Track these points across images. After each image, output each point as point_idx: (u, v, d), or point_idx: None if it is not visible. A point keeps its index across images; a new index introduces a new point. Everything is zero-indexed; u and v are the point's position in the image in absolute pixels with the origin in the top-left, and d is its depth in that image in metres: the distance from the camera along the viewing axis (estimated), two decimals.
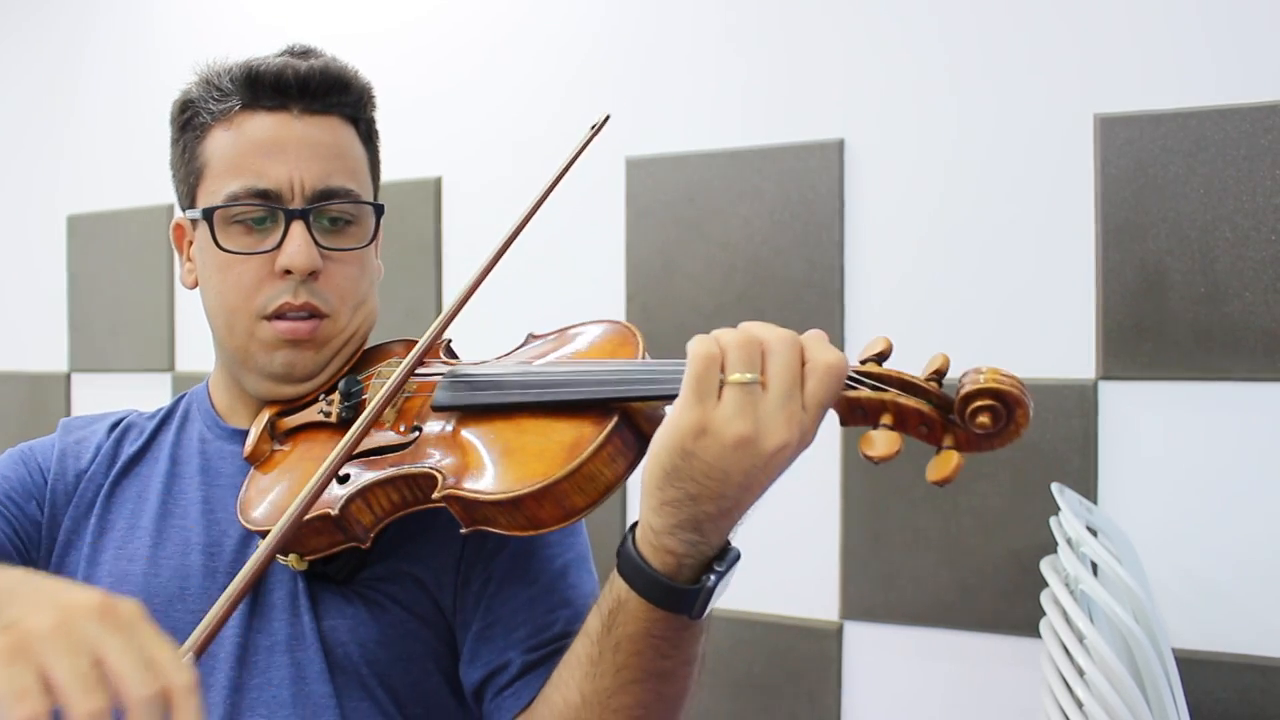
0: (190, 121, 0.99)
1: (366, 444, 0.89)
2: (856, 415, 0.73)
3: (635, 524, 0.76)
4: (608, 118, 0.98)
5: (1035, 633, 1.50)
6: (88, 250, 2.64)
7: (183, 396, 1.11)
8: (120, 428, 1.06)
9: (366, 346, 1.05)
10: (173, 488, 1.01)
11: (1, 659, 0.51)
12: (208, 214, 0.96)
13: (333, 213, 0.98)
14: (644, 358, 0.85)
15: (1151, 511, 1.67)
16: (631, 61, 2.07)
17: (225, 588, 0.94)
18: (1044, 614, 1.44)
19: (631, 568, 0.75)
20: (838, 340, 1.86)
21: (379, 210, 1.02)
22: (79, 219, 2.65)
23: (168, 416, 1.08)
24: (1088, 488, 1.69)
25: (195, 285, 1.03)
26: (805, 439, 0.71)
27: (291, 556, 0.91)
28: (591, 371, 0.83)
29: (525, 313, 2.08)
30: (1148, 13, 1.69)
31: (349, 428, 0.91)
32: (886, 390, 0.72)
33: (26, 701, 0.50)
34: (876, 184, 1.87)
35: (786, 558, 1.88)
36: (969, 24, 1.81)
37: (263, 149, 0.95)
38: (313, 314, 0.97)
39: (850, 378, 0.73)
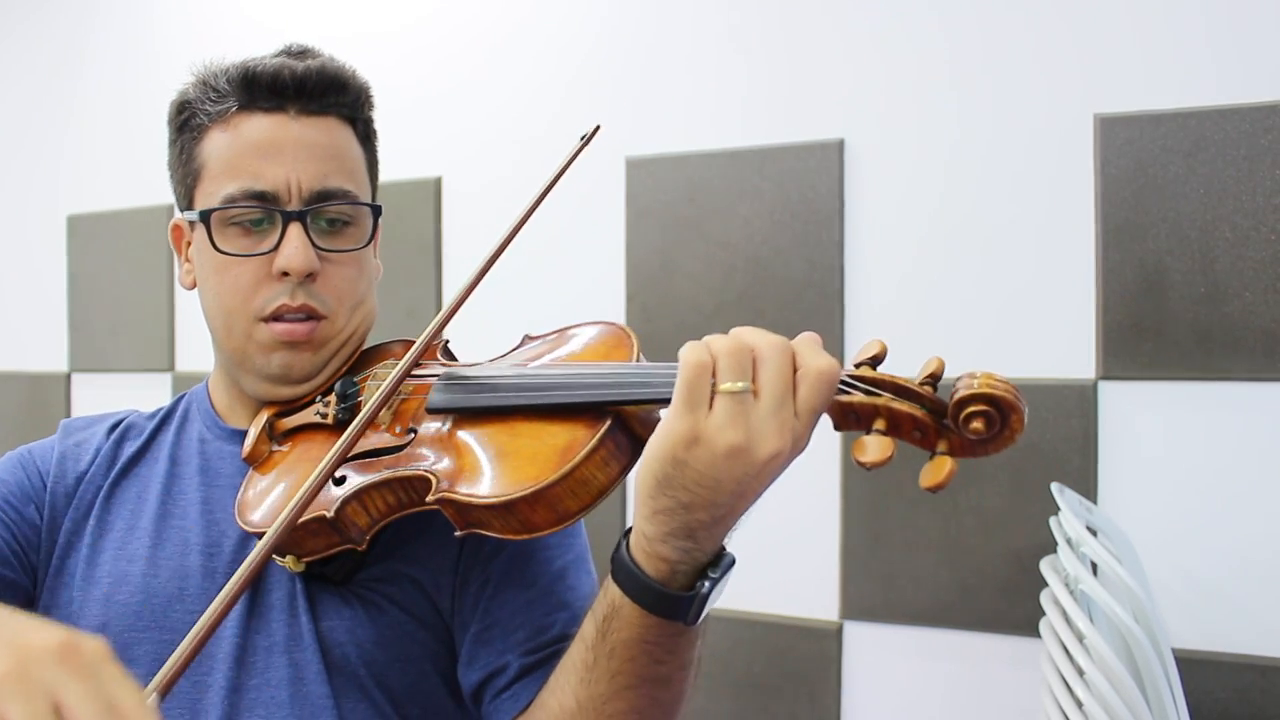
0: (187, 122, 0.99)
1: (362, 446, 0.89)
2: (850, 420, 0.73)
3: (630, 529, 0.76)
4: (598, 128, 0.98)
5: (1035, 633, 1.50)
6: (88, 250, 2.64)
7: (182, 396, 1.11)
8: (120, 429, 1.06)
9: (365, 347, 1.05)
10: (172, 488, 1.01)
11: None
12: (204, 216, 0.96)
13: (330, 214, 0.97)
14: (639, 360, 0.85)
15: (1151, 511, 1.67)
16: (631, 61, 2.07)
17: (223, 587, 0.95)
18: (1044, 614, 1.44)
19: (625, 574, 0.75)
20: (837, 340, 1.86)
21: (377, 211, 1.01)
22: (79, 219, 2.65)
23: (167, 416, 1.08)
24: (1088, 488, 1.69)
25: (193, 286, 1.03)
26: (798, 446, 0.70)
27: (289, 558, 0.91)
28: (585, 375, 0.82)
29: (525, 312, 2.08)
30: (1148, 13, 1.69)
31: (345, 429, 0.91)
32: (880, 395, 0.71)
33: None
34: (876, 184, 1.87)
35: (786, 558, 1.88)
36: (969, 24, 1.81)
37: (259, 150, 0.95)
38: (310, 315, 0.97)
39: (844, 382, 0.72)
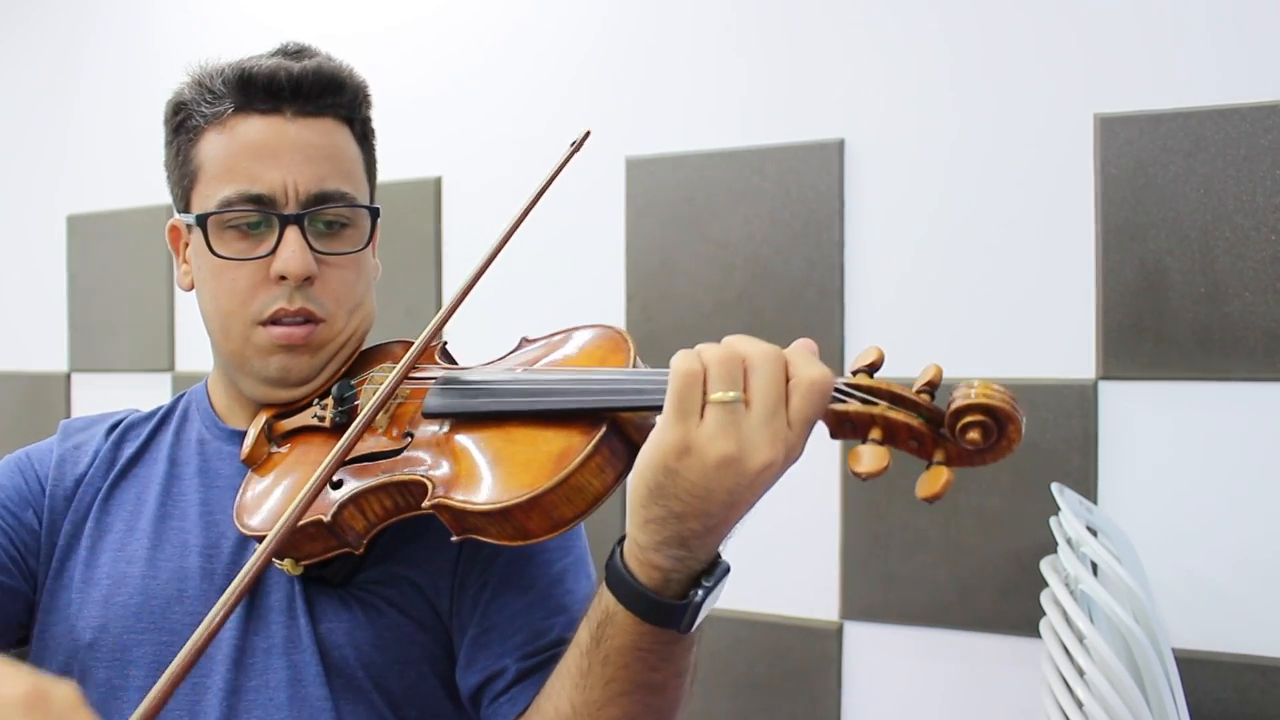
0: (183, 124, 0.99)
1: (359, 449, 0.89)
2: (846, 429, 0.72)
3: (624, 536, 0.76)
4: (588, 133, 0.97)
5: (1035, 633, 1.50)
6: (88, 250, 2.64)
7: (182, 395, 1.11)
8: (119, 430, 1.06)
9: (364, 347, 1.05)
10: (171, 489, 1.01)
11: None
12: (201, 220, 0.96)
13: (328, 216, 0.97)
14: (635, 364, 0.84)
15: (1151, 511, 1.67)
16: (631, 61, 2.06)
17: (223, 590, 0.94)
18: (1044, 614, 1.44)
19: (619, 581, 0.75)
20: (837, 339, 1.86)
21: (375, 213, 1.01)
22: (79, 219, 2.65)
23: (166, 416, 1.08)
24: (1088, 488, 1.69)
25: (191, 287, 1.02)
26: (791, 456, 0.70)
27: (287, 561, 0.91)
28: (581, 380, 0.82)
29: (525, 312, 2.09)
30: (1148, 13, 1.69)
31: (343, 432, 0.91)
32: (876, 404, 0.70)
33: None
34: (876, 184, 1.87)
35: (786, 558, 1.88)
36: (969, 24, 1.81)
37: (256, 153, 0.95)
38: (308, 319, 0.96)
39: (840, 390, 0.71)
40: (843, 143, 1.88)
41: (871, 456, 0.68)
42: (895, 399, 0.71)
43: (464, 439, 0.86)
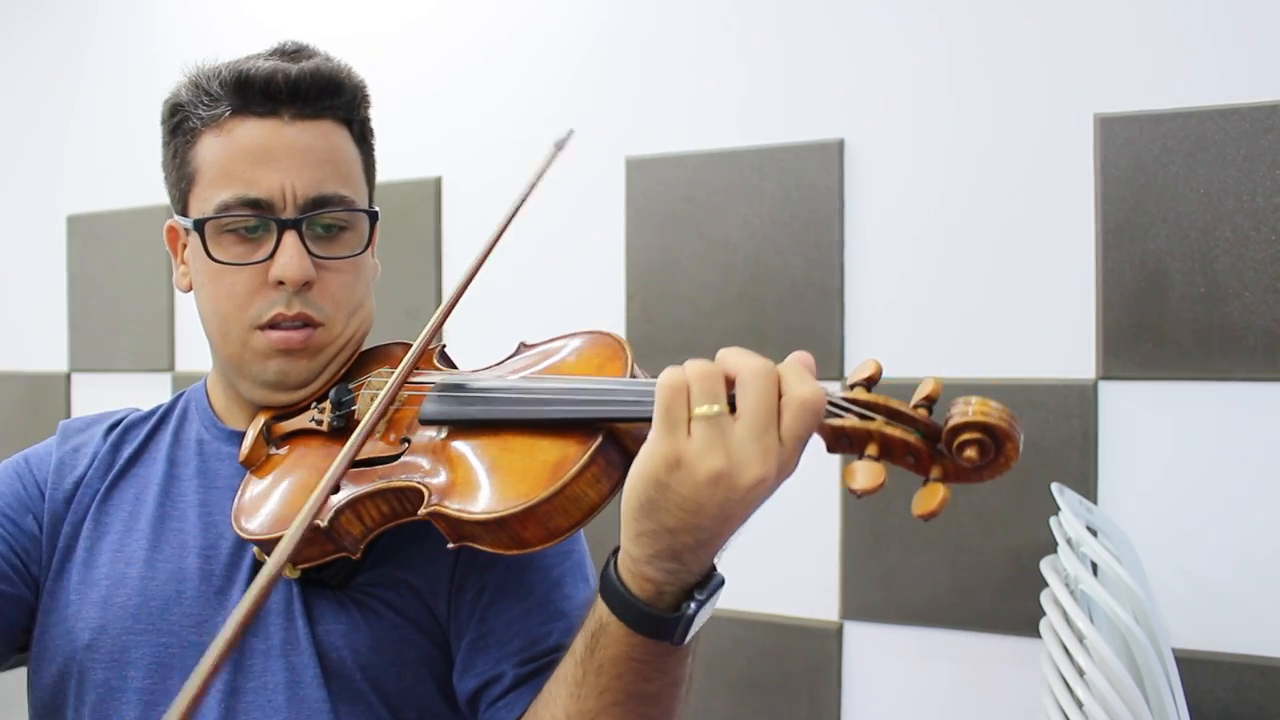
0: (180, 125, 0.98)
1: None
2: (842, 444, 0.71)
3: (618, 548, 0.75)
4: (571, 132, 0.97)
5: (1035, 633, 1.50)
6: (88, 250, 2.64)
7: (181, 394, 1.10)
8: (118, 430, 1.06)
9: (364, 349, 1.04)
10: (170, 490, 1.01)
11: None
12: (199, 225, 0.95)
13: (326, 220, 0.96)
14: (632, 371, 0.84)
15: (1151, 511, 1.67)
16: (631, 61, 2.06)
17: (220, 590, 0.95)
18: (1044, 614, 1.44)
19: (612, 593, 0.75)
20: (837, 340, 1.86)
21: (374, 216, 1.00)
22: (79, 219, 2.65)
23: (165, 415, 1.08)
24: (1088, 488, 1.69)
25: (190, 288, 1.02)
26: (784, 472, 0.69)
27: (285, 565, 0.91)
28: (577, 390, 0.82)
29: (525, 313, 2.09)
30: (1148, 12, 1.69)
31: (340, 436, 0.91)
32: (873, 419, 0.70)
33: None
34: (876, 184, 1.86)
35: (786, 558, 1.88)
36: (969, 24, 1.80)
37: (254, 157, 0.94)
38: (306, 323, 0.96)
39: (836, 405, 0.71)
40: (843, 143, 1.88)
41: (867, 473, 0.68)
42: (892, 414, 0.70)
43: (460, 446, 0.85)
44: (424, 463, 0.86)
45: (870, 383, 0.72)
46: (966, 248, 1.80)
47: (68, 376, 2.66)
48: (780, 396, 0.69)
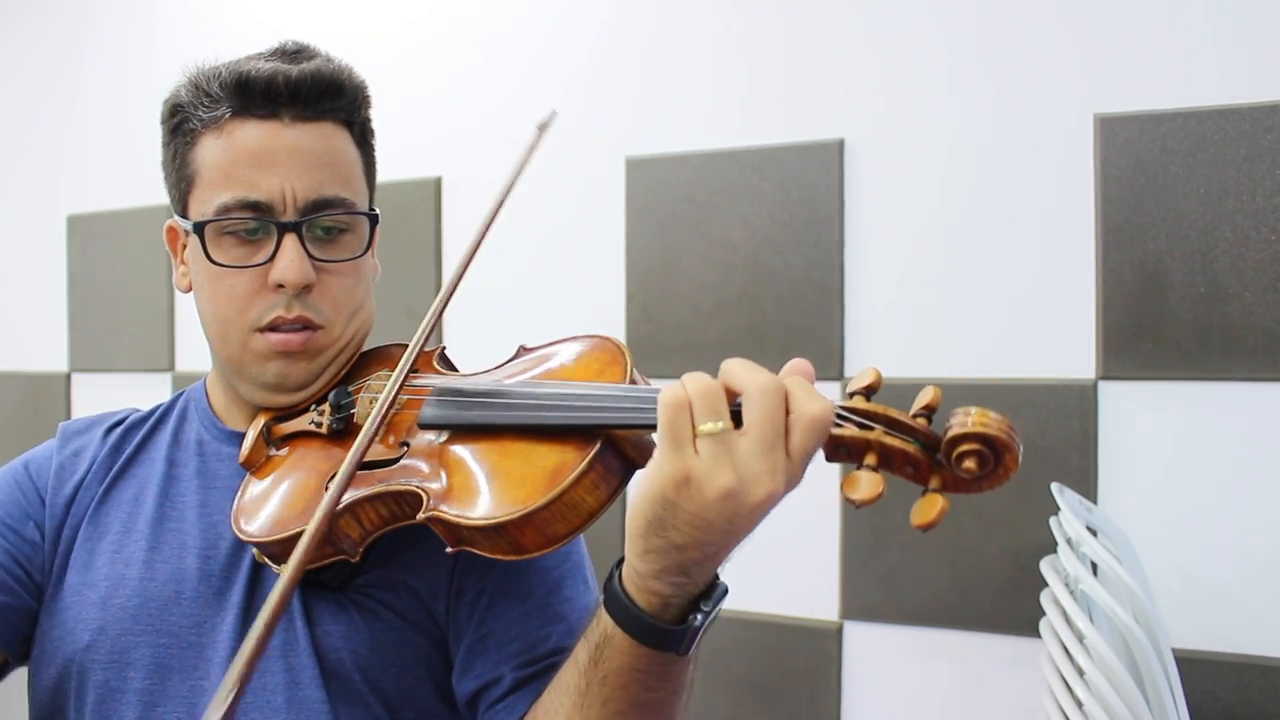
0: (180, 126, 0.98)
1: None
2: (841, 454, 0.71)
3: (622, 560, 0.75)
4: (554, 113, 0.96)
5: (1035, 633, 1.50)
6: (88, 250, 2.64)
7: (181, 394, 1.10)
8: (117, 432, 1.06)
9: (364, 349, 1.04)
10: (170, 490, 1.01)
11: None
12: (199, 228, 0.95)
13: (326, 223, 0.96)
14: (632, 377, 0.84)
15: (1151, 511, 1.67)
16: (631, 61, 2.06)
17: (219, 591, 0.95)
18: (1044, 614, 1.44)
19: (618, 606, 0.75)
20: (837, 340, 1.86)
21: (374, 218, 1.00)
22: (79, 219, 2.65)
23: (165, 415, 1.08)
24: (1088, 488, 1.69)
25: (189, 289, 1.02)
26: (791, 485, 0.69)
27: (283, 567, 0.91)
28: (576, 396, 0.81)
29: (525, 313, 2.09)
30: (1148, 13, 1.69)
31: (340, 439, 0.91)
32: (872, 428, 0.70)
33: None
34: (876, 184, 1.86)
35: (786, 558, 1.88)
36: (969, 24, 1.80)
37: (254, 159, 0.93)
38: (306, 325, 0.96)
39: (837, 414, 0.70)
40: (843, 143, 1.88)
41: (868, 483, 0.68)
42: (891, 423, 0.70)
43: (459, 450, 0.85)
44: (423, 466, 0.86)
45: (870, 391, 0.72)
46: (966, 248, 1.80)
47: (68, 376, 2.66)
48: (788, 413, 0.69)
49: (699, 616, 0.73)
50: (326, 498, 0.79)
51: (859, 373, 0.73)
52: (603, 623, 0.76)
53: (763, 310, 1.91)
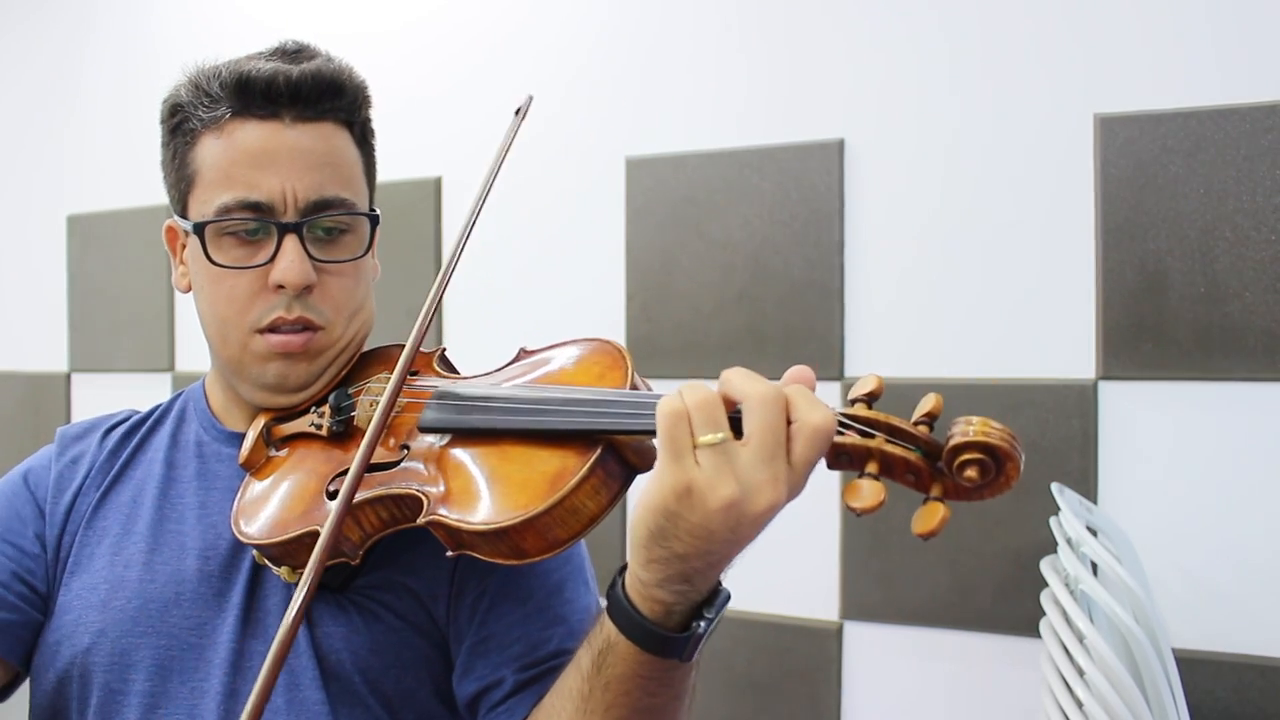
0: (180, 126, 0.97)
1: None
2: (842, 461, 0.71)
3: (625, 567, 0.75)
4: (530, 98, 0.96)
5: (1035, 633, 1.50)
6: (88, 250, 2.64)
7: (180, 394, 1.10)
8: (114, 434, 1.06)
9: (364, 350, 1.04)
10: (169, 491, 1.01)
11: None
12: (199, 229, 0.95)
13: (327, 224, 0.96)
14: (633, 381, 0.84)
15: (1151, 511, 1.67)
16: (631, 61, 2.06)
17: (219, 592, 0.95)
18: (1044, 614, 1.44)
19: (621, 613, 0.75)
20: (837, 340, 1.86)
21: (374, 219, 1.00)
22: (79, 219, 2.65)
23: (163, 415, 1.08)
24: (1088, 488, 1.69)
25: (188, 289, 1.01)
26: (794, 493, 0.69)
27: (283, 569, 0.91)
28: (577, 400, 0.81)
29: (525, 313, 2.09)
30: (1148, 13, 1.69)
31: (339, 441, 0.91)
32: (874, 436, 0.70)
33: None
34: (876, 184, 1.86)
35: (786, 558, 1.88)
36: (969, 24, 1.81)
37: (254, 159, 0.93)
38: (306, 327, 0.95)
39: (839, 421, 0.70)
40: (843, 143, 1.88)
41: (870, 491, 0.68)
42: (893, 431, 0.70)
43: (460, 454, 0.85)
44: (423, 470, 0.86)
45: (872, 398, 0.72)
46: (966, 248, 1.80)
47: (68, 376, 2.66)
48: (790, 423, 0.68)
49: (702, 624, 0.73)
50: (335, 510, 0.79)
51: (861, 379, 0.73)
52: (606, 629, 0.76)
53: (763, 310, 1.91)
